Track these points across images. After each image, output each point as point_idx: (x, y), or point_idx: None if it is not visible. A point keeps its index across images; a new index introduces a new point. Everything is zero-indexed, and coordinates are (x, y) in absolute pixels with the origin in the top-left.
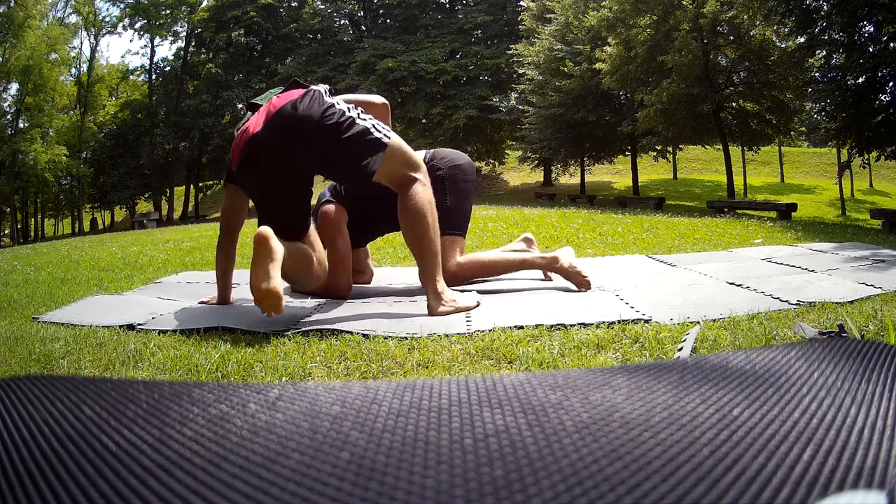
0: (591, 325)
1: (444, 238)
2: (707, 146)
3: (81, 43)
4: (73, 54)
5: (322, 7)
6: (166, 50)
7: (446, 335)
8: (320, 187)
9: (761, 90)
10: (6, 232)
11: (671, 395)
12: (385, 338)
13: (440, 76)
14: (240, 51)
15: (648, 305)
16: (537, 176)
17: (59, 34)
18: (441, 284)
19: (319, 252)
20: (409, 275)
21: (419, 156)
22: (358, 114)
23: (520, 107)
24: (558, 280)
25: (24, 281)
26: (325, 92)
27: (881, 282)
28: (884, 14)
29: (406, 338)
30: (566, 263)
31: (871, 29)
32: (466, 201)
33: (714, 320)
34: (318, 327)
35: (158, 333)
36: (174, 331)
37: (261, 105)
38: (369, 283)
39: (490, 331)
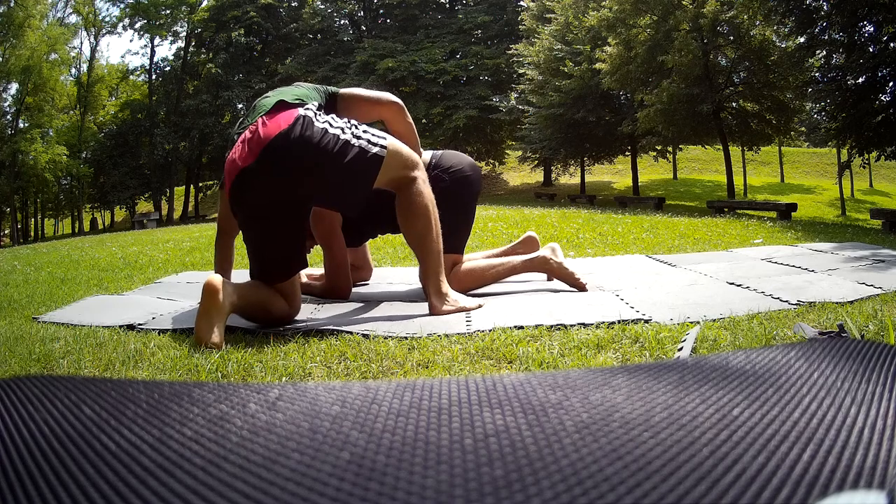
0: (591, 325)
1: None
2: (707, 146)
3: (81, 43)
4: (73, 54)
5: (322, 7)
6: (166, 50)
7: (446, 335)
8: None
9: (761, 90)
10: (6, 232)
11: (671, 395)
12: (385, 338)
13: (440, 76)
14: (240, 51)
15: (648, 305)
16: (537, 176)
17: (59, 34)
18: (444, 284)
19: (287, 288)
20: (409, 275)
21: (425, 157)
22: (351, 133)
23: (520, 107)
24: (559, 280)
25: (24, 281)
26: (314, 115)
27: (881, 282)
28: (884, 14)
29: (406, 338)
30: (555, 264)
31: (871, 29)
32: (468, 218)
33: (714, 320)
34: (318, 327)
35: (158, 333)
36: (174, 331)
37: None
38: (368, 280)
39: (490, 331)
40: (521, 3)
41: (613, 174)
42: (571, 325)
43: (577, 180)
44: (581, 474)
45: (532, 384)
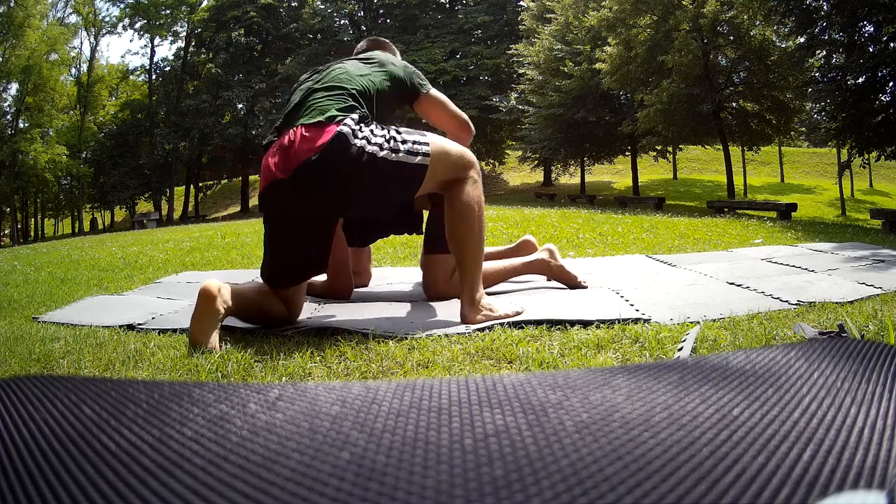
0: (591, 325)
1: (440, 256)
2: (707, 146)
3: (81, 43)
4: (73, 54)
5: (322, 7)
6: (166, 50)
7: (446, 335)
8: None
9: (761, 90)
10: (6, 232)
11: (671, 395)
12: (385, 338)
13: (440, 76)
14: (240, 51)
15: (648, 305)
16: (537, 176)
17: (59, 34)
18: (479, 293)
19: (290, 293)
20: (409, 274)
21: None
22: (390, 148)
23: (520, 107)
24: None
25: (24, 281)
26: (352, 131)
27: (881, 282)
28: (884, 14)
29: (406, 338)
30: (555, 266)
31: (871, 29)
32: None
33: (714, 320)
34: (319, 326)
35: (158, 333)
36: (174, 331)
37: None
38: (367, 286)
39: (490, 331)
40: (521, 3)
41: (613, 174)
42: (571, 325)
43: (577, 180)
44: (581, 474)
45: (532, 384)
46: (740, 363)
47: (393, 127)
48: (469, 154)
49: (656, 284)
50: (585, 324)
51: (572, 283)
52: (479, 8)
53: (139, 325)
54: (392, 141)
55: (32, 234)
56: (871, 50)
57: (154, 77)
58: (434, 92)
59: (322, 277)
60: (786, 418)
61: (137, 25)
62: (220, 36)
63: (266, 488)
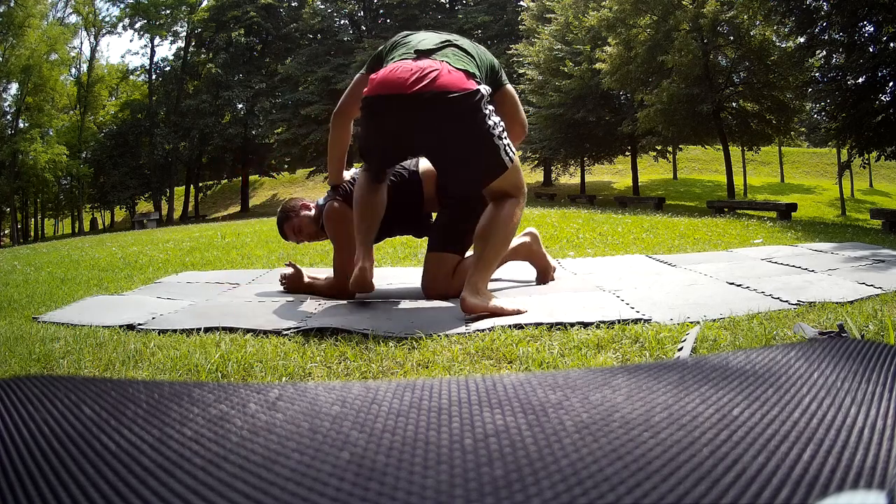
0: (591, 325)
1: (444, 255)
2: (707, 146)
3: (81, 43)
4: (73, 54)
5: (322, 7)
6: (166, 50)
7: (446, 335)
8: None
9: (761, 90)
10: (6, 232)
11: (671, 395)
12: (385, 338)
13: None
14: (240, 51)
15: (648, 305)
16: (537, 176)
17: (59, 34)
18: (484, 287)
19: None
20: (408, 275)
21: None
22: (499, 132)
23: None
24: (558, 280)
25: (24, 281)
26: (486, 96)
27: (881, 282)
28: (884, 14)
29: (406, 338)
30: (537, 250)
31: (871, 29)
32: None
33: (714, 320)
34: (319, 326)
35: (158, 333)
36: (174, 331)
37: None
38: None
39: (490, 331)
40: (521, 3)
41: (613, 174)
42: (571, 325)
43: (577, 180)
44: (581, 474)
45: (532, 384)
46: (740, 363)
47: (499, 118)
48: (525, 186)
49: (656, 284)
50: (585, 324)
51: (545, 274)
52: (479, 8)
53: (139, 325)
54: (502, 130)
55: (32, 234)
56: (871, 50)
57: (154, 77)
58: (510, 87)
59: (326, 274)
60: (786, 418)
61: (137, 25)
62: (220, 36)
63: (266, 488)
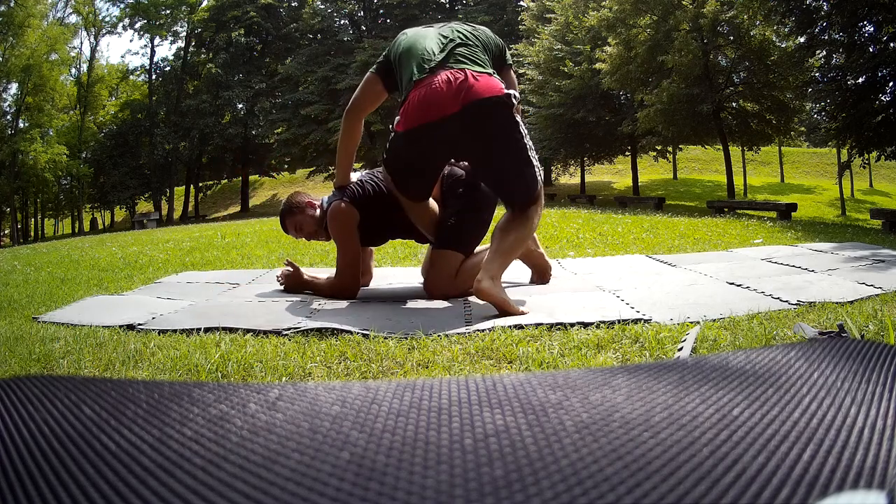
0: (591, 325)
1: (449, 252)
2: (707, 146)
3: (81, 43)
4: (73, 54)
5: (322, 7)
6: (166, 50)
7: (446, 335)
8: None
9: (761, 90)
10: (6, 232)
11: (671, 395)
12: (385, 338)
13: None
14: (240, 51)
15: (648, 305)
16: None
17: (59, 34)
18: (500, 277)
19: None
20: (409, 275)
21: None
22: (530, 144)
23: (520, 107)
24: (558, 280)
25: (24, 281)
26: (516, 103)
27: (881, 282)
28: (884, 14)
29: (406, 338)
30: (535, 251)
31: (871, 29)
32: (483, 229)
33: (714, 320)
34: (319, 326)
35: (158, 333)
36: (174, 331)
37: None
38: (368, 286)
39: (490, 331)
40: (521, 3)
41: (613, 174)
42: (571, 325)
43: (577, 180)
44: (581, 474)
45: (532, 384)
46: (740, 363)
47: (526, 130)
48: (542, 187)
49: (656, 284)
50: (586, 324)
51: (543, 274)
52: (479, 8)
53: (139, 325)
54: (527, 133)
55: (32, 234)
56: (871, 50)
57: (154, 77)
58: (512, 69)
59: (326, 274)
60: (786, 418)
61: (137, 25)
62: (220, 36)
63: (266, 488)
